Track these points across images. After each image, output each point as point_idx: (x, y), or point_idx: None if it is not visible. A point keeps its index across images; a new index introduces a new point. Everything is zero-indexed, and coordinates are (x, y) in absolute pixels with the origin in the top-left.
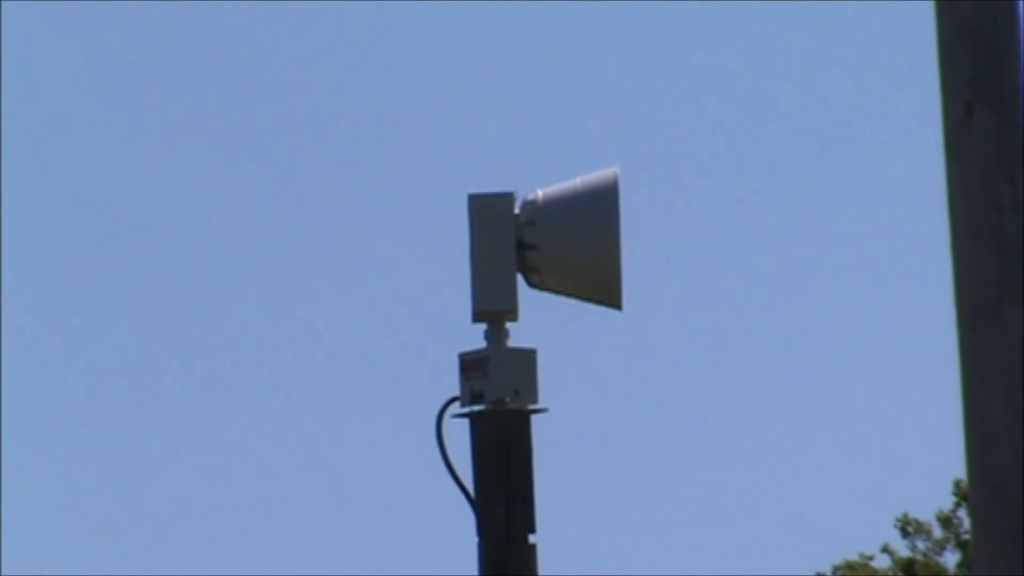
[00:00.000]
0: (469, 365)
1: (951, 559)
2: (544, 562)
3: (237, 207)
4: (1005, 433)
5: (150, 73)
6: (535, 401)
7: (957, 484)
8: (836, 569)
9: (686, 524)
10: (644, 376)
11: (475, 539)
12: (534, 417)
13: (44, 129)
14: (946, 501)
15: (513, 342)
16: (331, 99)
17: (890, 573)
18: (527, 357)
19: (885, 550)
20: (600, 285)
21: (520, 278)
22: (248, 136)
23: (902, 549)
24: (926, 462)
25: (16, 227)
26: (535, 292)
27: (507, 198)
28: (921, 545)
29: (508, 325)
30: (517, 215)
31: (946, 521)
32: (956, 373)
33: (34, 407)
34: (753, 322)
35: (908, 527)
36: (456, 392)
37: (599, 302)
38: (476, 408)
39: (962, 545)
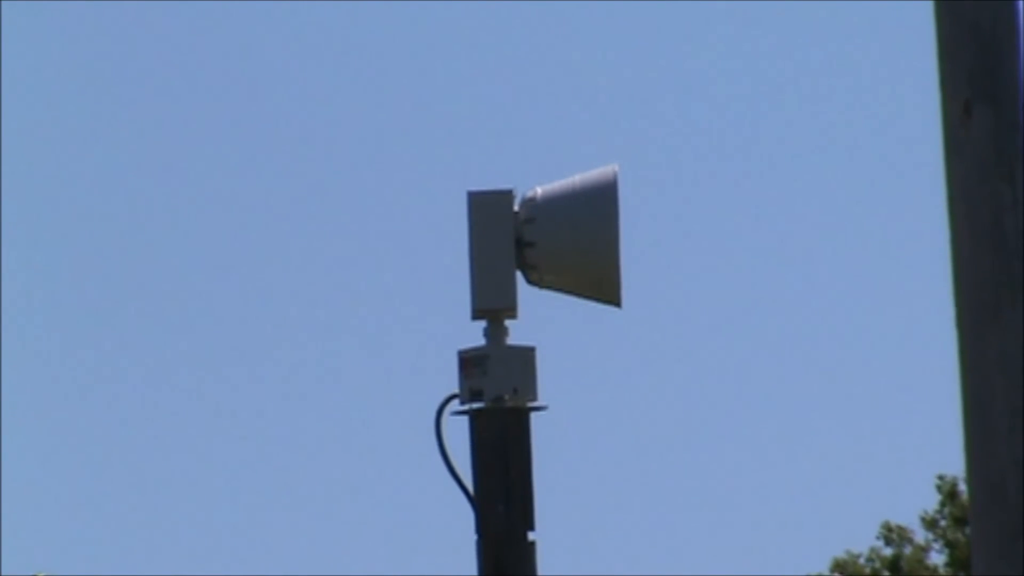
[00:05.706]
0: (468, 362)
1: (938, 559)
2: (543, 560)
3: (236, 206)
4: (1005, 433)
5: (150, 73)
6: (534, 399)
7: (941, 478)
8: (837, 565)
9: (684, 521)
10: (643, 374)
11: (474, 537)
12: (533, 415)
13: (44, 129)
14: (931, 502)
15: (512, 340)
16: (330, 98)
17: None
18: (526, 355)
19: (872, 558)
20: (599, 282)
21: (519, 275)
22: (247, 135)
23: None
24: (928, 462)
25: (16, 227)
26: (534, 289)
27: (506, 195)
28: (907, 552)
29: (507, 323)
30: (516, 212)
31: (931, 524)
32: (955, 373)
33: (34, 407)
34: (752, 320)
35: (891, 534)
36: (455, 390)
37: (598, 299)
38: (475, 406)
39: (950, 545)
